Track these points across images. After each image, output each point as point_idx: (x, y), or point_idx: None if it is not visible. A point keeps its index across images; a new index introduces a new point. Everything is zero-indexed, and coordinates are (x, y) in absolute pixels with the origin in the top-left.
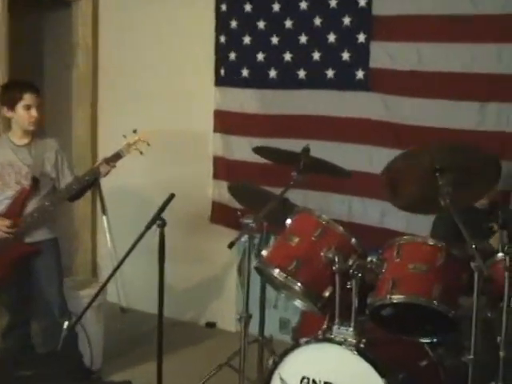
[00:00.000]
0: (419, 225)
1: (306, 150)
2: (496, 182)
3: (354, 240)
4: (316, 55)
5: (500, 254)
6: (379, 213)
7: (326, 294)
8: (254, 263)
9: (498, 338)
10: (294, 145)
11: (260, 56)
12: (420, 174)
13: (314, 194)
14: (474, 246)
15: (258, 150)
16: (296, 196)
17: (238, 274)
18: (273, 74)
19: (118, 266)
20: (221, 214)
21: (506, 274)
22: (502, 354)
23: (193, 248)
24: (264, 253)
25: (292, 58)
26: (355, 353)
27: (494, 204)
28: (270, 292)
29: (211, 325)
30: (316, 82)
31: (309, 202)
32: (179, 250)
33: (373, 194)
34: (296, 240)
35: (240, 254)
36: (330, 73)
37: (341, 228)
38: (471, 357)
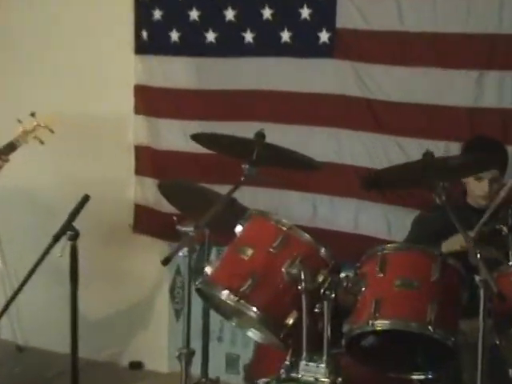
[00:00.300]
0: (404, 229)
1: (260, 135)
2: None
3: (323, 250)
4: (267, 12)
5: (510, 264)
6: (353, 215)
7: (290, 320)
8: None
9: (510, 372)
10: (242, 129)
11: (194, 14)
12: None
13: (266, 192)
14: (478, 255)
15: (196, 138)
16: (244, 196)
17: (170, 297)
18: (211, 37)
19: (15, 295)
20: (146, 221)
21: None
22: None
23: (111, 266)
24: (208, 270)
25: (236, 16)
26: None
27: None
28: (213, 321)
29: (136, 365)
30: (267, 47)
31: (260, 202)
32: (94, 269)
33: (345, 190)
34: (249, 252)
35: (173, 271)
36: (286, 35)
37: (307, 235)
38: None
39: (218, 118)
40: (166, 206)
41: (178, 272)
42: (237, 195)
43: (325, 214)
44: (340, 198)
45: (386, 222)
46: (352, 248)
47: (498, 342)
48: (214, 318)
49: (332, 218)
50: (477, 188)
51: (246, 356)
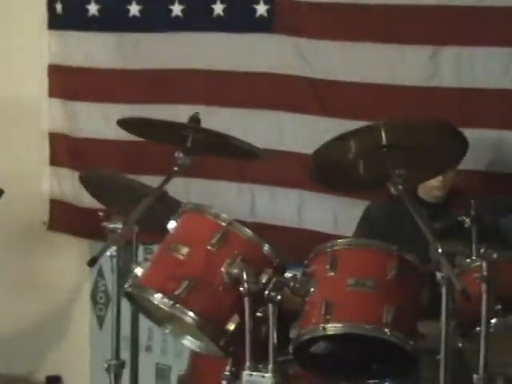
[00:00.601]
0: (352, 222)
1: (195, 120)
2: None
3: (267, 248)
4: None
5: (472, 260)
6: (296, 207)
7: (231, 326)
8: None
9: (475, 377)
10: (172, 113)
11: None
12: (362, 153)
13: (199, 183)
14: (440, 250)
15: (123, 123)
16: (175, 188)
17: (92, 303)
18: (134, 9)
19: None
20: (64, 218)
21: (484, 286)
22: None
23: (23, 269)
24: (138, 271)
25: None
26: None
27: (457, 192)
28: (140, 329)
29: (54, 380)
30: (198, 20)
31: (193, 195)
32: (2, 273)
33: (287, 180)
34: (185, 251)
35: (94, 274)
36: (219, 7)
37: (249, 231)
38: None
39: (145, 101)
40: (87, 201)
41: (100, 274)
42: (167, 187)
43: (265, 207)
44: (282, 188)
45: (332, 214)
46: (295, 244)
47: (460, 345)
48: (142, 325)
49: (273, 211)
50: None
51: (178, 367)
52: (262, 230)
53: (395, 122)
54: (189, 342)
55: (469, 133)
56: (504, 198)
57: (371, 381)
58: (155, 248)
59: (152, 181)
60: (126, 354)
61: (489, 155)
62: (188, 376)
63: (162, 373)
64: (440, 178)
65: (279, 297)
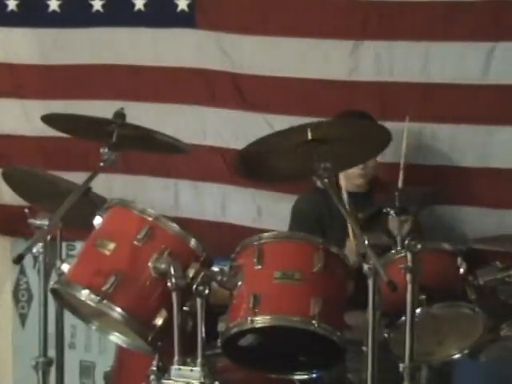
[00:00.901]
0: (276, 216)
1: (120, 115)
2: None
3: (193, 242)
4: None
5: (396, 251)
6: (219, 202)
7: (159, 321)
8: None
9: (401, 366)
10: (95, 109)
11: None
12: (288, 147)
13: (121, 179)
14: (366, 242)
15: (48, 119)
16: (97, 184)
17: (13, 301)
18: (54, 4)
19: None
20: None
21: (409, 277)
22: None
23: None
24: (65, 268)
25: None
26: None
27: (376, 183)
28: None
29: None
30: (119, 15)
31: (115, 191)
32: None
33: (210, 175)
34: (111, 247)
35: (16, 271)
36: (140, 2)
37: (175, 226)
38: None
39: (66, 97)
40: (9, 198)
41: (22, 272)
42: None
43: (188, 202)
44: (205, 183)
45: (255, 208)
46: (219, 239)
47: (386, 335)
48: (65, 322)
49: (197, 205)
50: None
51: (102, 364)
52: (186, 225)
53: (321, 121)
54: (116, 337)
55: (389, 126)
56: (425, 190)
57: (299, 372)
58: (78, 245)
59: (76, 177)
60: (51, 352)
61: (408, 148)
62: (114, 372)
63: (86, 370)
64: (361, 165)
65: (207, 291)
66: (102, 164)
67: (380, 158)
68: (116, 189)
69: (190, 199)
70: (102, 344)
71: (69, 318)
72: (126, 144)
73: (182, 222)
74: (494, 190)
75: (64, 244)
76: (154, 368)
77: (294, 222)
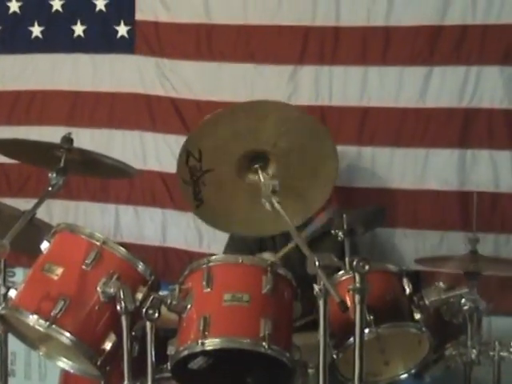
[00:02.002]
0: (218, 240)
1: (68, 139)
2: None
3: (141, 266)
4: (56, 4)
5: (342, 272)
6: (160, 226)
7: (108, 345)
8: None
9: None
10: (36, 135)
11: None
12: (231, 161)
13: (61, 204)
14: (317, 263)
15: None
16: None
17: None
18: None
19: None
20: None
21: (357, 297)
22: None
23: None
24: (12, 294)
25: (21, 7)
26: None
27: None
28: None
29: None
30: (59, 41)
31: (56, 216)
32: None
33: (150, 199)
34: (59, 271)
35: None
36: (79, 29)
37: (123, 250)
38: None
39: (8, 123)
40: None
41: None
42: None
43: (129, 227)
44: (145, 207)
45: (196, 232)
46: (161, 263)
47: (335, 357)
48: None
49: (137, 230)
50: None
51: None
52: (127, 249)
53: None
54: (63, 363)
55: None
56: (372, 210)
57: None
58: (18, 271)
59: (22, 204)
60: None
61: (347, 170)
62: None
63: None
64: None
65: (157, 314)
66: (50, 189)
67: None
68: (56, 214)
69: (130, 224)
70: (42, 371)
71: (9, 345)
72: (73, 168)
73: (124, 247)
74: (432, 212)
75: (22, 271)
76: None
77: (228, 245)
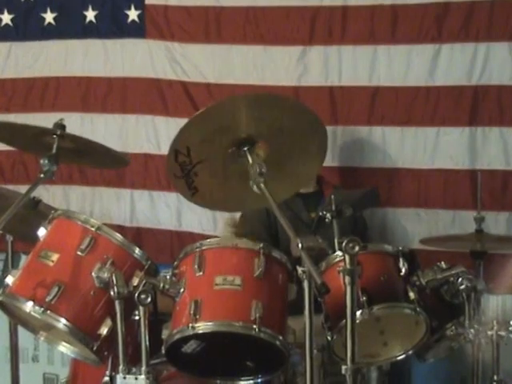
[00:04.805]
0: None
1: (60, 126)
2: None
3: (137, 251)
4: None
5: (336, 254)
6: (175, 210)
7: (104, 330)
8: None
9: (343, 368)
10: (50, 121)
11: None
12: (219, 151)
13: (78, 190)
14: (300, 245)
15: None
16: (55, 196)
17: None
18: (6, 18)
19: None
20: None
21: (347, 279)
22: None
23: None
24: (9, 280)
25: None
26: None
27: (323, 181)
28: (25, 339)
29: None
30: (70, 28)
31: (73, 202)
32: None
33: (164, 184)
34: (54, 258)
35: None
36: (91, 14)
37: (118, 235)
38: None
39: (22, 111)
40: None
41: None
42: (46, 196)
43: (145, 211)
44: (160, 192)
45: (211, 215)
46: (176, 247)
47: (329, 338)
48: (29, 335)
49: (153, 215)
50: None
51: (65, 376)
52: (143, 234)
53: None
54: (64, 348)
55: (340, 130)
56: (362, 191)
57: (245, 378)
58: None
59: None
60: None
61: (359, 150)
62: (70, 382)
63: (49, 382)
64: None
65: (149, 299)
66: (42, 175)
67: None
68: (72, 201)
69: (145, 209)
70: (65, 356)
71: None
72: (66, 156)
73: (139, 232)
74: (443, 191)
75: (24, 257)
76: (107, 378)
77: (243, 223)
